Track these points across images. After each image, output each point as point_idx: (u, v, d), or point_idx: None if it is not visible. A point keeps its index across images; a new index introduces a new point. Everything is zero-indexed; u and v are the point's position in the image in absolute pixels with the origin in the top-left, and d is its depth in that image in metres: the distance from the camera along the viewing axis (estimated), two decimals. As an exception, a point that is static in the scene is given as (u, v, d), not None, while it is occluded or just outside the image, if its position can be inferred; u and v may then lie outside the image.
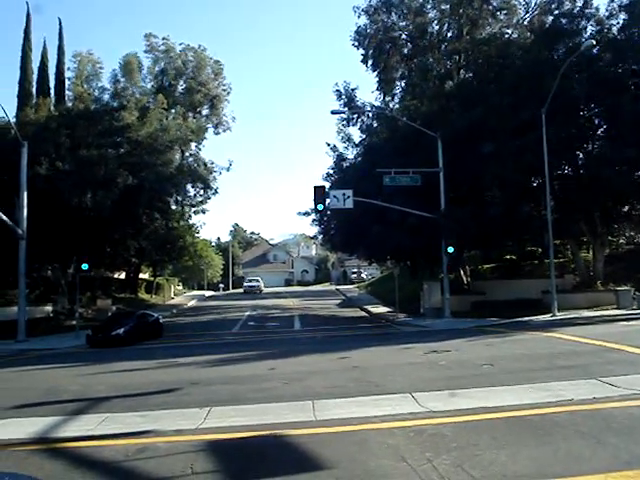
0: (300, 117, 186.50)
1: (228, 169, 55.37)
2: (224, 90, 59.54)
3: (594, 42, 29.79)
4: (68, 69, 51.09)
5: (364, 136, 47.03)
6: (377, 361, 16.86)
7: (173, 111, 54.40)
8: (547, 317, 29.98)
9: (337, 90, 43.43)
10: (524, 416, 9.17)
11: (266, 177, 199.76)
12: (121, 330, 28.51)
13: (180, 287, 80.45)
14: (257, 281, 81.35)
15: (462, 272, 41.47)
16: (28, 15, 48.18)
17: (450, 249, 33.02)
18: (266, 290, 78.27)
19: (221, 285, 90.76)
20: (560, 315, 30.08)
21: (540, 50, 34.96)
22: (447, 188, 34.24)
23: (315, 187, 33.23)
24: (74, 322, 32.87)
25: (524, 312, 31.12)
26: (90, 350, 26.91)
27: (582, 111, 35.33)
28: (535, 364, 14.31)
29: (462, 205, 33.61)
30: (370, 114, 46.51)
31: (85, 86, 47.92)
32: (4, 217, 30.07)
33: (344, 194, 33.43)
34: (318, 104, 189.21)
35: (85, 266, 32.63)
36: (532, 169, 33.16)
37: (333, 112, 39.05)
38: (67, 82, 49.92)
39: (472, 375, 13.29)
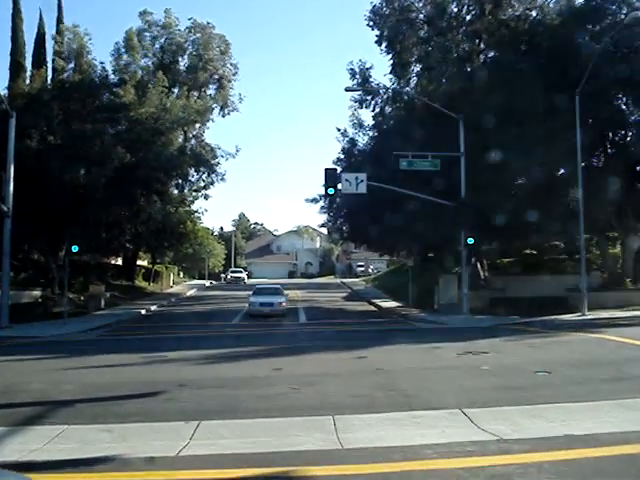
0: (310, 103, 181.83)
1: (234, 155, 52.60)
2: (231, 69, 56.79)
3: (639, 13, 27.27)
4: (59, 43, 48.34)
5: (377, 120, 44.53)
6: (403, 363, 14.15)
7: (176, 90, 51.78)
8: (576, 316, 27.49)
9: (351, 69, 40.76)
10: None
11: (271, 166, 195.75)
12: None
13: (181, 276, 77.86)
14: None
15: (479, 266, 38.80)
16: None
17: (470, 240, 30.55)
18: (269, 281, 74.78)
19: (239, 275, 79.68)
20: (590, 315, 27.51)
21: (572, 29, 32.34)
22: (468, 174, 31.66)
23: (326, 169, 30.88)
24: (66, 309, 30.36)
25: (548, 310, 28.65)
26: (76, 339, 24.29)
27: (615, 95, 32.75)
28: (602, 373, 11.62)
29: (484, 193, 31.06)
30: (385, 96, 43.90)
31: (83, 60, 45.19)
32: (-14, 192, 27.53)
33: (357, 178, 30.98)
34: (329, 89, 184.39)
35: (75, 248, 30.14)
36: (562, 155, 30.61)
37: (347, 89, 36.54)
38: (63, 55, 47.21)
39: (529, 385, 10.61)
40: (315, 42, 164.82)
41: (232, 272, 79.97)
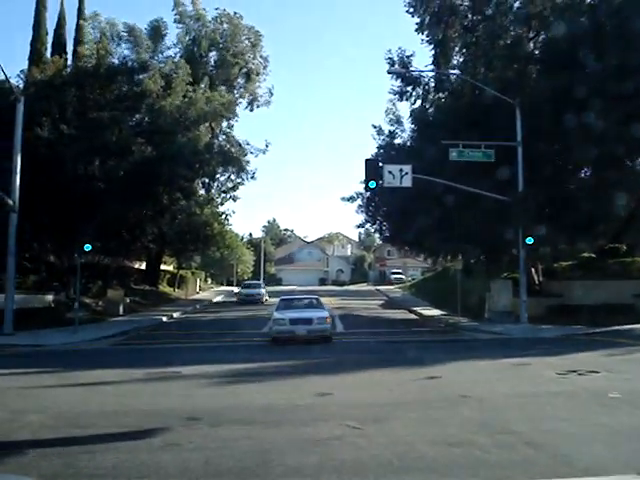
0: (343, 102, 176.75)
1: (264, 151, 49.26)
2: (261, 62, 53.60)
3: None
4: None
5: (417, 113, 41.18)
6: (492, 386, 10.48)
7: (203, 85, 48.97)
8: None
9: (389, 58, 37.29)
10: None
11: (302, 172, 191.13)
12: None
13: (209, 282, 75.10)
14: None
15: (533, 270, 35.01)
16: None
17: (529, 239, 26.98)
18: (300, 288, 71.50)
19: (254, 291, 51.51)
20: (671, 325, 23.77)
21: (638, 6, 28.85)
22: (525, 167, 28.17)
23: (367, 160, 27.76)
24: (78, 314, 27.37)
25: (615, 319, 24.80)
26: (83, 348, 21.22)
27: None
28: None
29: (544, 188, 27.60)
30: (426, 87, 40.48)
31: (100, 45, 42.53)
32: (-14, 182, 24.61)
33: (401, 170, 27.51)
34: (363, 86, 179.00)
35: (88, 247, 27.03)
36: (633, 145, 27.12)
37: (389, 72, 33.39)
38: (85, 46, 44.76)
39: None
40: (351, 37, 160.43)
41: (245, 287, 53.77)
